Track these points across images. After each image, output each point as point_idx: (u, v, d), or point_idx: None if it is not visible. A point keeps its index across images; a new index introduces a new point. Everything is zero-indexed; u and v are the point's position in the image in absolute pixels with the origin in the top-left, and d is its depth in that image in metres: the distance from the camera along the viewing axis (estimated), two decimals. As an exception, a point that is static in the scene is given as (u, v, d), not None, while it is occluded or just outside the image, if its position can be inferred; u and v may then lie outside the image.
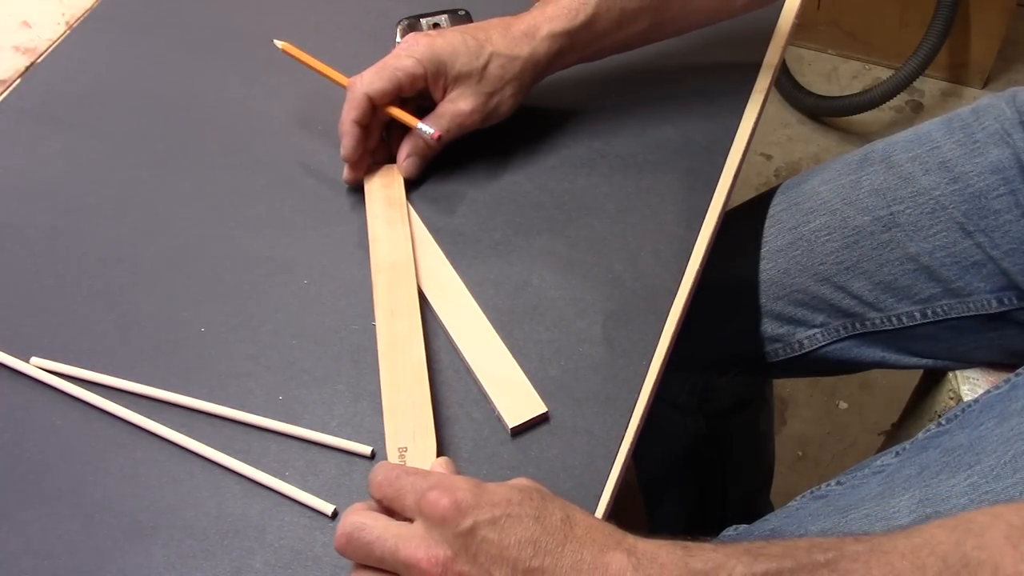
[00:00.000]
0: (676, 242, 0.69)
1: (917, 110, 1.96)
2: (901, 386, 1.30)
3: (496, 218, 0.71)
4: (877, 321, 0.82)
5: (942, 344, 0.83)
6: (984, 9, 1.83)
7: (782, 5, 0.85)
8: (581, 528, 0.47)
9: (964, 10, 1.82)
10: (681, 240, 0.69)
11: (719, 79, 0.80)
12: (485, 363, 0.62)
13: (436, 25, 0.83)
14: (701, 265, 0.68)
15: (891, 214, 0.80)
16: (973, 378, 0.84)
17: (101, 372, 0.63)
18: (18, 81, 0.83)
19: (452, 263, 0.68)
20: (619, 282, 0.67)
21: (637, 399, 0.61)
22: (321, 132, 0.77)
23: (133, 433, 0.60)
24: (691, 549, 0.46)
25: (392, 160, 0.74)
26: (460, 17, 0.83)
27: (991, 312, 0.79)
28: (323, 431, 0.60)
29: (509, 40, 0.71)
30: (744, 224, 0.86)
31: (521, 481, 0.50)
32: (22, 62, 0.85)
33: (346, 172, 0.73)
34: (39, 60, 0.85)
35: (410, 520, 0.49)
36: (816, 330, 0.84)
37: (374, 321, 0.64)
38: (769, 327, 0.85)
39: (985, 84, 1.95)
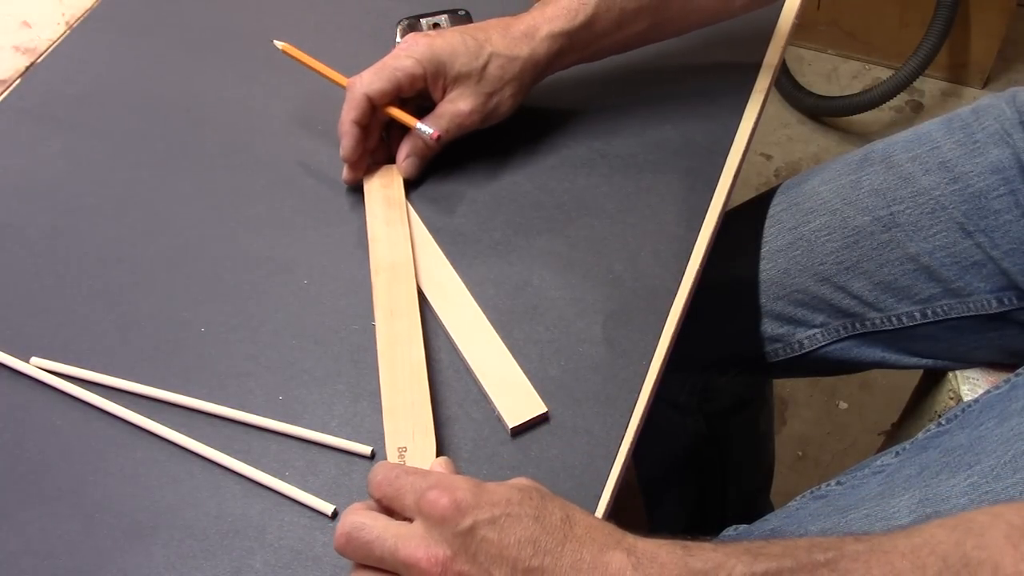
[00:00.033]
0: (676, 242, 0.69)
1: (917, 110, 1.96)
2: (901, 386, 1.30)
3: (496, 218, 0.71)
4: (877, 321, 0.82)
5: (942, 344, 0.83)
6: (984, 9, 1.83)
7: (782, 5, 0.85)
8: (581, 528, 0.47)
9: (964, 10, 1.82)
10: (681, 240, 0.69)
11: (719, 79, 0.80)
12: (485, 363, 0.62)
13: (436, 25, 0.83)
14: (701, 265, 0.68)
15: (891, 214, 0.80)
16: (973, 378, 0.84)
17: (101, 372, 0.63)
18: (18, 81, 0.83)
19: (452, 263, 0.68)
20: (619, 282, 0.67)
21: (637, 399, 0.61)
22: (321, 132, 0.77)
23: (133, 433, 0.60)
24: (691, 548, 0.46)
25: (392, 160, 0.74)
26: (460, 17, 0.83)
27: (991, 312, 0.79)
28: (323, 431, 0.60)
29: (509, 40, 0.71)
30: (744, 224, 0.86)
31: (521, 481, 0.50)
32: (22, 62, 0.85)
33: (345, 172, 0.73)
34: (39, 60, 0.85)
35: (410, 520, 0.49)
36: (816, 330, 0.84)
37: (374, 321, 0.64)
38: (769, 327, 0.85)
39: (985, 84, 1.95)
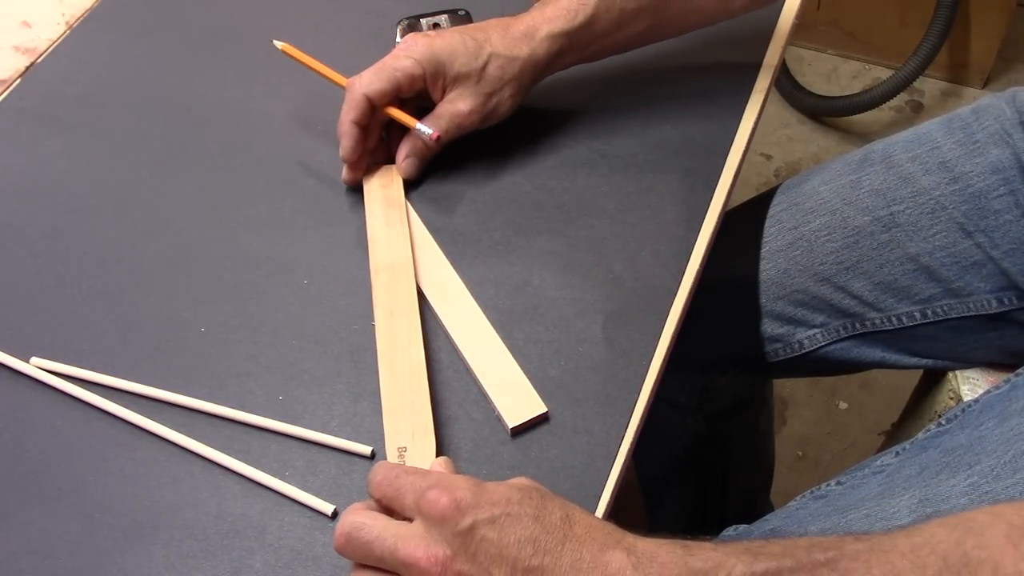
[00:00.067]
0: (676, 242, 0.69)
1: (917, 110, 1.96)
2: (901, 386, 1.30)
3: (496, 218, 0.71)
4: (877, 321, 0.82)
5: (942, 344, 0.83)
6: (984, 9, 1.83)
7: (782, 5, 0.85)
8: (581, 527, 0.47)
9: (964, 10, 1.82)
10: (681, 240, 0.69)
11: (719, 79, 0.81)
12: (485, 363, 0.62)
13: (436, 25, 0.83)
14: (701, 265, 0.68)
15: (891, 214, 0.80)
16: (973, 378, 0.84)
17: (101, 372, 0.63)
18: (18, 81, 0.83)
19: (452, 263, 0.68)
20: (619, 282, 0.67)
21: (637, 399, 0.61)
22: (321, 132, 0.77)
23: (133, 433, 0.60)
24: (691, 548, 0.46)
25: (391, 160, 0.74)
26: (460, 17, 0.83)
27: (991, 312, 0.79)
28: (323, 431, 0.60)
29: (508, 41, 0.71)
30: (744, 224, 0.86)
31: (521, 480, 0.50)
32: (22, 62, 0.85)
33: (345, 172, 0.73)
34: (39, 60, 0.85)
35: (409, 519, 0.49)
36: (816, 330, 0.84)
37: (374, 321, 0.64)
38: (769, 327, 0.85)
39: (985, 84, 1.95)
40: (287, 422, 0.60)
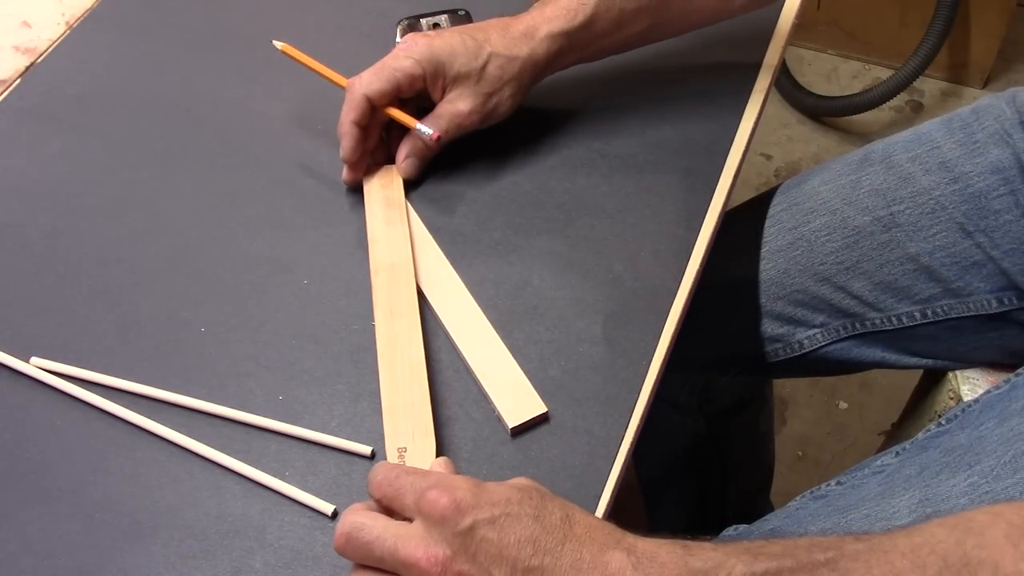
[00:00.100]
0: (676, 242, 0.69)
1: (917, 110, 1.96)
2: (901, 386, 1.30)
3: (496, 218, 0.71)
4: (877, 321, 0.82)
5: (942, 344, 0.83)
6: (984, 9, 1.83)
7: (782, 5, 0.85)
8: (581, 527, 0.47)
9: (964, 10, 1.82)
10: (681, 240, 0.69)
11: (719, 79, 0.80)
12: (485, 363, 0.62)
13: (436, 25, 0.83)
14: (701, 265, 0.68)
15: (891, 214, 0.80)
16: (973, 378, 0.84)
17: (101, 372, 0.63)
18: (18, 81, 0.83)
19: (452, 263, 0.68)
20: (619, 282, 0.67)
21: (637, 399, 0.61)
22: (321, 132, 0.77)
23: (133, 433, 0.60)
24: (691, 548, 0.46)
25: (391, 160, 0.74)
26: (460, 17, 0.83)
27: (991, 312, 0.79)
28: (323, 431, 0.60)
29: (508, 40, 0.71)
30: (744, 224, 0.86)
31: (521, 481, 0.50)
32: (22, 62, 0.85)
33: (345, 173, 0.73)
34: (39, 60, 0.85)
35: (410, 520, 0.49)
36: (816, 330, 0.84)
37: (374, 321, 0.64)
38: (769, 327, 0.85)
39: (985, 84, 1.95)
40: (287, 422, 0.60)
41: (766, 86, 0.79)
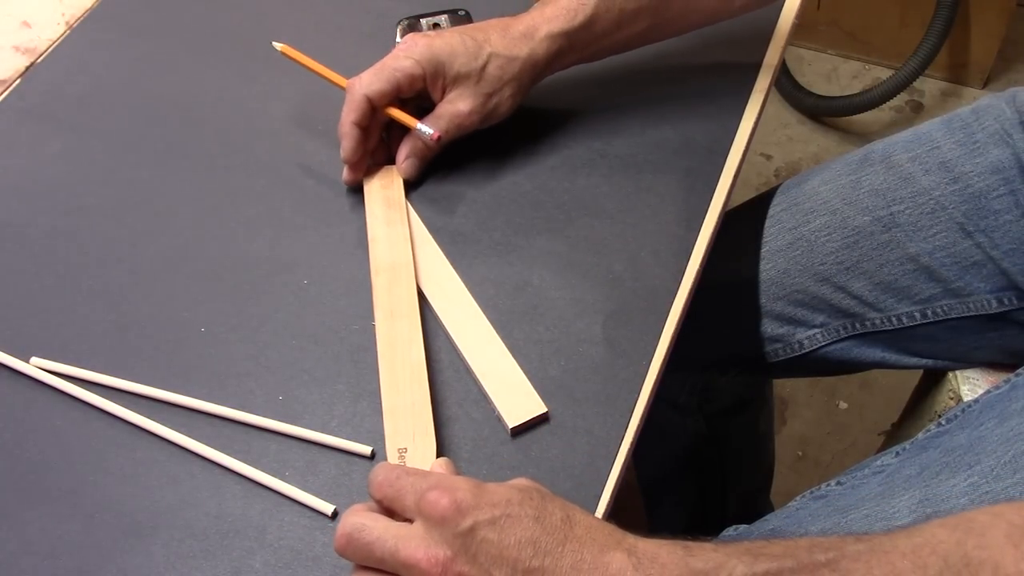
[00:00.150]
0: (676, 242, 0.69)
1: (917, 110, 1.96)
2: (901, 386, 1.30)
3: (496, 218, 0.71)
4: (877, 321, 0.82)
5: (942, 344, 0.83)
6: (984, 9, 1.83)
7: (782, 5, 0.85)
8: (581, 528, 0.47)
9: (964, 10, 1.82)
10: (681, 240, 0.69)
11: (719, 79, 0.80)
12: (485, 363, 0.62)
13: (436, 25, 0.83)
14: (701, 265, 0.68)
15: (891, 214, 0.80)
16: (973, 378, 0.84)
17: (101, 372, 0.63)
18: (18, 81, 0.83)
19: (452, 263, 0.68)
20: (619, 282, 0.67)
21: (637, 399, 0.61)
22: (321, 132, 0.77)
23: (133, 433, 0.60)
24: (692, 549, 0.46)
25: (391, 161, 0.74)
26: (460, 17, 0.83)
27: (991, 312, 0.79)
28: (323, 431, 0.60)
29: (508, 41, 0.71)
30: (744, 224, 0.86)
31: (521, 481, 0.50)
32: (22, 62, 0.85)
33: (346, 173, 0.73)
34: (39, 60, 0.85)
35: (410, 521, 0.49)
36: (816, 330, 0.84)
37: (374, 321, 0.64)
38: (769, 327, 0.85)
39: (985, 84, 1.95)
40: (287, 422, 0.60)
41: (766, 86, 0.79)
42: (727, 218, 0.73)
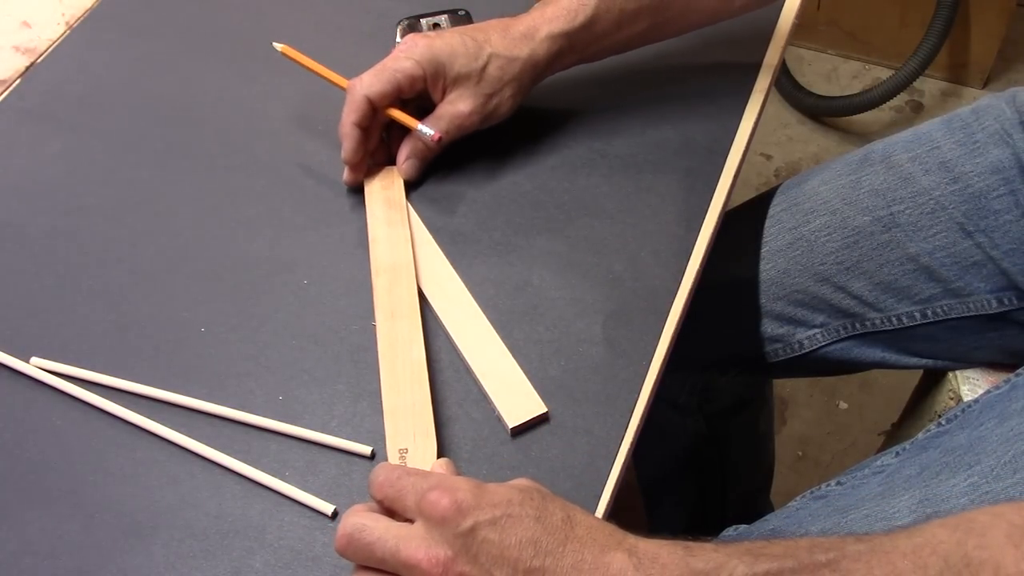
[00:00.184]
0: (676, 242, 0.69)
1: (917, 110, 1.96)
2: (901, 386, 1.30)
3: (496, 218, 0.71)
4: (877, 321, 0.82)
5: (942, 344, 0.83)
6: (984, 9, 1.83)
7: (782, 5, 0.85)
8: (582, 528, 0.47)
9: (964, 10, 1.82)
10: (681, 240, 0.69)
11: (719, 79, 0.80)
12: (485, 363, 0.62)
13: (436, 25, 0.83)
14: (701, 265, 0.68)
15: (891, 214, 0.80)
16: (973, 378, 0.84)
17: (101, 372, 0.63)
18: (18, 81, 0.83)
19: (452, 263, 0.68)
20: (619, 282, 0.67)
21: (637, 399, 0.61)
22: (321, 133, 0.77)
23: (133, 433, 0.60)
24: (692, 549, 0.46)
25: (392, 161, 0.74)
26: (460, 17, 0.83)
27: (991, 312, 0.79)
28: (323, 431, 0.60)
29: (508, 41, 0.71)
30: (744, 224, 0.86)
31: (522, 481, 0.50)
32: (22, 62, 0.85)
33: (346, 174, 0.73)
34: (39, 60, 0.85)
35: (411, 521, 0.49)
36: (816, 330, 0.84)
37: (374, 321, 0.64)
38: (769, 327, 0.85)
39: (985, 84, 1.95)
40: (287, 422, 0.60)
41: (766, 86, 0.79)
42: (727, 218, 0.73)
